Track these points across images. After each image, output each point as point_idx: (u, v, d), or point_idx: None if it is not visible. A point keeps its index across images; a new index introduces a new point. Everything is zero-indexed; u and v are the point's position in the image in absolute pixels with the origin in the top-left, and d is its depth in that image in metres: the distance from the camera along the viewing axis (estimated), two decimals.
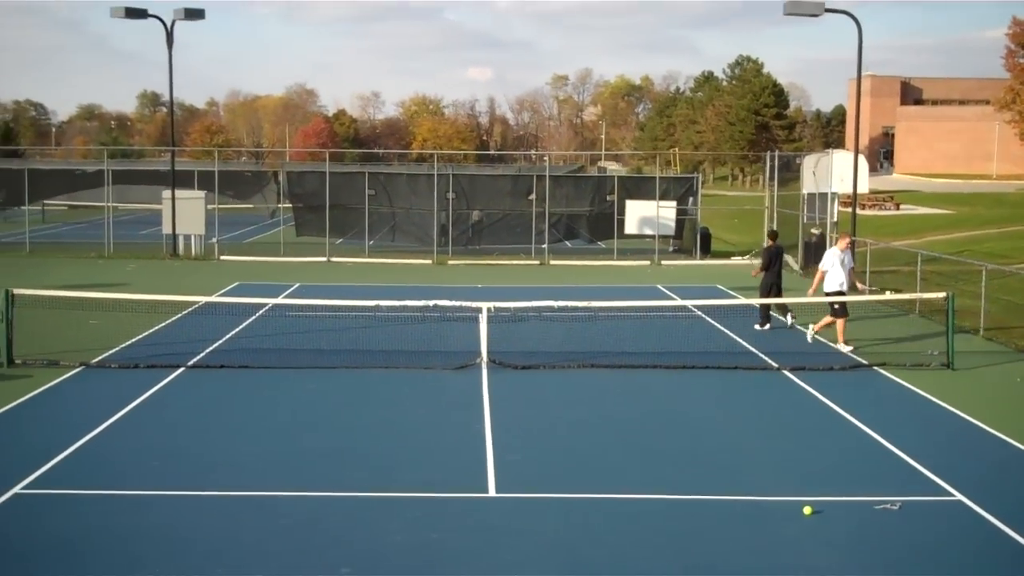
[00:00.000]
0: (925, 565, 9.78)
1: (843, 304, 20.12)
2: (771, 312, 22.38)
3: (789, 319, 22.44)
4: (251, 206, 52.16)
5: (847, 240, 21.13)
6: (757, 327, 22.02)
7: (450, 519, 10.79)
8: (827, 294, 20.20)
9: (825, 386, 16.78)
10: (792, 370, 17.95)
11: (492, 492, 11.66)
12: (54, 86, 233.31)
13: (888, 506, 11.11)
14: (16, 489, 11.41)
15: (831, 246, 30.80)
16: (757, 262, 24.07)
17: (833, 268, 20.20)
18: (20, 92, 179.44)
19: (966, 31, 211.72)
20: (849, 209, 33.54)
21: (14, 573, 9.31)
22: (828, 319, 20.19)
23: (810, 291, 21.10)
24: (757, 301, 22.34)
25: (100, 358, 18.36)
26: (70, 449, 12.94)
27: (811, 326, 20.50)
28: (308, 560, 9.68)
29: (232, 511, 10.97)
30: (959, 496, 11.51)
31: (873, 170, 76.27)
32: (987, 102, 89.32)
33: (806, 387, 16.85)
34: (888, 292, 25.30)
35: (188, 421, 14.62)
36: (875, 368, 18.31)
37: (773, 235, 23.31)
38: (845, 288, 20.21)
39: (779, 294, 22.38)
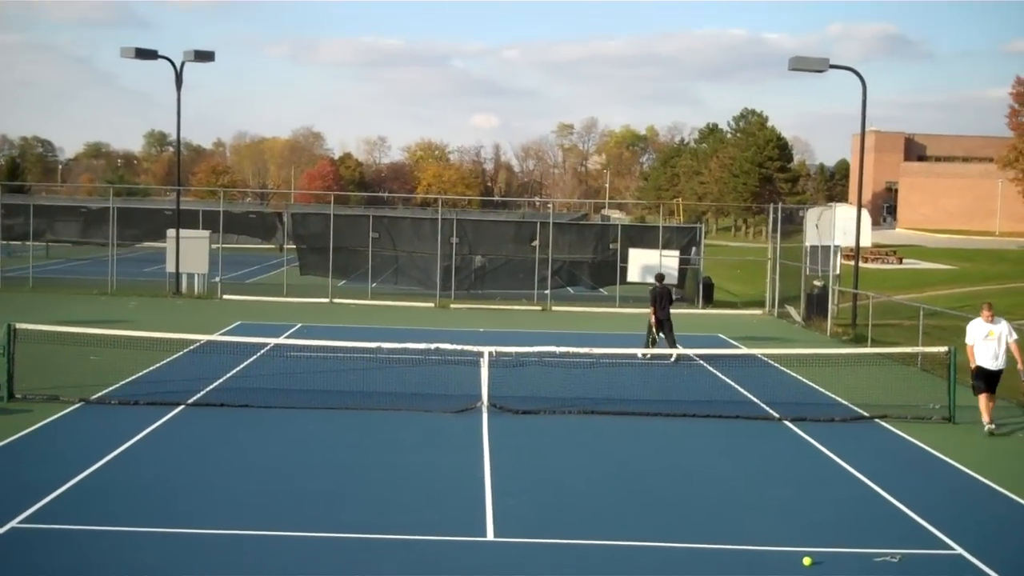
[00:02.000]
0: None
1: (984, 381, 17.57)
2: (655, 342, 25.14)
3: (674, 355, 24.29)
4: (272, 246, 53.65)
5: (988, 311, 17.94)
6: (641, 353, 24.33)
7: (447, 563, 10.73)
8: (974, 370, 17.76)
9: (826, 437, 16.73)
10: (793, 420, 17.91)
11: (490, 536, 11.60)
12: (62, 123, 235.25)
13: (888, 559, 11.05)
14: (13, 523, 11.36)
15: (833, 298, 30.71)
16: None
17: (976, 343, 17.71)
18: (28, 129, 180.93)
19: (970, 89, 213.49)
20: (852, 262, 33.62)
21: None
22: (983, 400, 17.69)
23: (972, 365, 17.86)
24: (654, 352, 24.37)
25: (100, 394, 18.33)
26: (68, 484, 12.89)
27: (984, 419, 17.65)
28: None
29: (228, 550, 10.91)
30: (959, 550, 11.44)
31: (876, 224, 76.39)
32: (990, 160, 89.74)
33: (807, 438, 16.79)
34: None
35: (186, 459, 14.58)
36: (876, 420, 18.26)
37: (659, 278, 26.38)
38: (997, 364, 17.57)
39: (669, 327, 25.16)
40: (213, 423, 16.71)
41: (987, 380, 17.63)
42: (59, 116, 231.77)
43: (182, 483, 13.32)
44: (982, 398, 17.69)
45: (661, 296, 25.35)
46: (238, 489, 13.14)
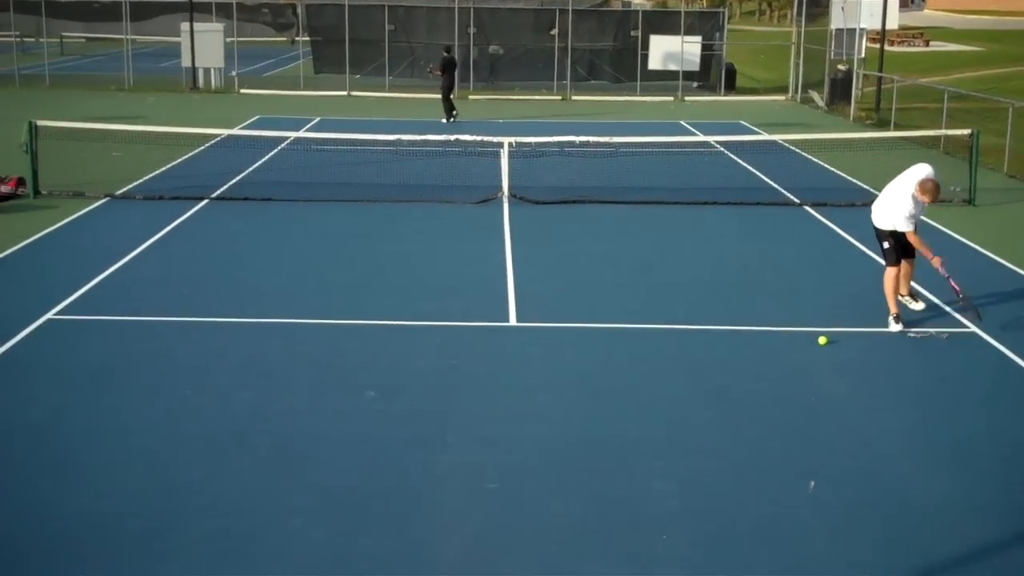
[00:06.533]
0: (935, 392, 10.00)
1: (895, 245, 11.97)
2: (453, 110, 29.00)
3: (450, 119, 28.52)
4: (284, 39, 53.09)
5: (923, 190, 11.65)
6: (444, 121, 28.36)
7: (471, 346, 11.02)
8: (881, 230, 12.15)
9: (846, 221, 16.79)
10: (814, 205, 17.95)
11: (512, 321, 11.88)
12: None
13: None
14: (49, 315, 11.66)
15: (855, 91, 30.09)
16: None
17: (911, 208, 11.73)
18: None
19: None
20: (877, 46, 32.92)
21: (51, 391, 9.63)
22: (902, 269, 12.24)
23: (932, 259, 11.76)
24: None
25: (124, 189, 18.52)
26: (99, 277, 13.17)
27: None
28: (333, 383, 9.93)
29: (257, 337, 11.20)
30: (974, 328, 11.65)
31: (904, 6, 74.21)
32: None
33: (827, 222, 16.88)
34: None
35: (212, 251, 14.84)
36: None
37: (448, 49, 30.24)
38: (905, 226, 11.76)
39: (449, 95, 29.10)
40: (237, 217, 16.90)
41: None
42: None
43: (209, 274, 13.61)
44: (905, 269, 12.28)
45: (449, 65, 29.27)
46: (264, 280, 13.39)
